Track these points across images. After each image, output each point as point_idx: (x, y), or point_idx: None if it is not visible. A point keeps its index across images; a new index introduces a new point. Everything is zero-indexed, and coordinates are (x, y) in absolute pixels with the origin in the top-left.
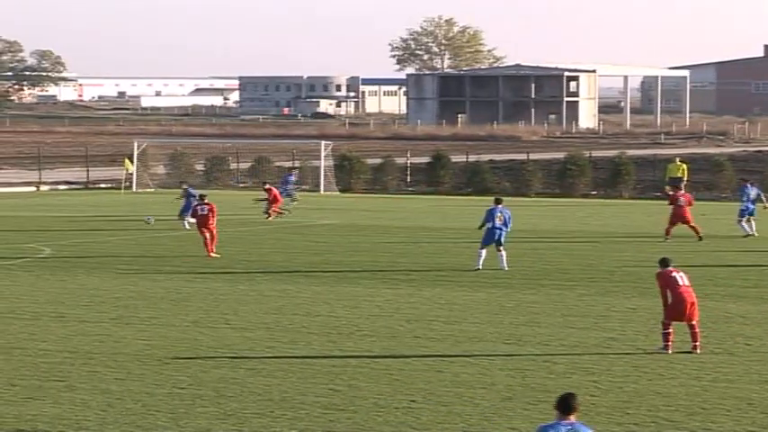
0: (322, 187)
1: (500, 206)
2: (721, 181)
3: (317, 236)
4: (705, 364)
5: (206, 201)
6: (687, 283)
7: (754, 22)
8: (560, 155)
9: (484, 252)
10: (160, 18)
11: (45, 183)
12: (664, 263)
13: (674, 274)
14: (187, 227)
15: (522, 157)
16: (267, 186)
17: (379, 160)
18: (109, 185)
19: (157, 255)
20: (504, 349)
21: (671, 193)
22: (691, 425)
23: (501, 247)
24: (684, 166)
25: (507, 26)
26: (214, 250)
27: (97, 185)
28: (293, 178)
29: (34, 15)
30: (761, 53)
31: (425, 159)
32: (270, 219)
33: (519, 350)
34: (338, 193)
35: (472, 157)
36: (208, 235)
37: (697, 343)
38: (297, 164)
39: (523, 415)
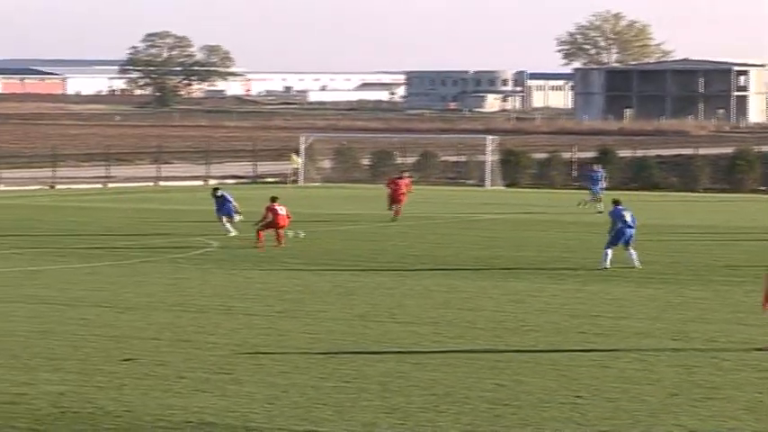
0: (488, 182)
1: (621, 206)
2: None
3: (483, 230)
4: None
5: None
6: None
7: None
8: (729, 150)
9: (610, 252)
10: (327, 13)
11: (213, 177)
12: None
13: None
14: (229, 228)
15: (690, 151)
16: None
17: (544, 155)
18: (276, 179)
19: (324, 249)
20: (670, 345)
21: None
22: None
23: (629, 247)
24: None
25: (676, 20)
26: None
27: (264, 179)
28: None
29: (204, 11)
30: None
31: (592, 154)
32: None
33: (685, 346)
34: (504, 187)
35: (639, 152)
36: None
37: None
38: (464, 158)
39: (690, 412)
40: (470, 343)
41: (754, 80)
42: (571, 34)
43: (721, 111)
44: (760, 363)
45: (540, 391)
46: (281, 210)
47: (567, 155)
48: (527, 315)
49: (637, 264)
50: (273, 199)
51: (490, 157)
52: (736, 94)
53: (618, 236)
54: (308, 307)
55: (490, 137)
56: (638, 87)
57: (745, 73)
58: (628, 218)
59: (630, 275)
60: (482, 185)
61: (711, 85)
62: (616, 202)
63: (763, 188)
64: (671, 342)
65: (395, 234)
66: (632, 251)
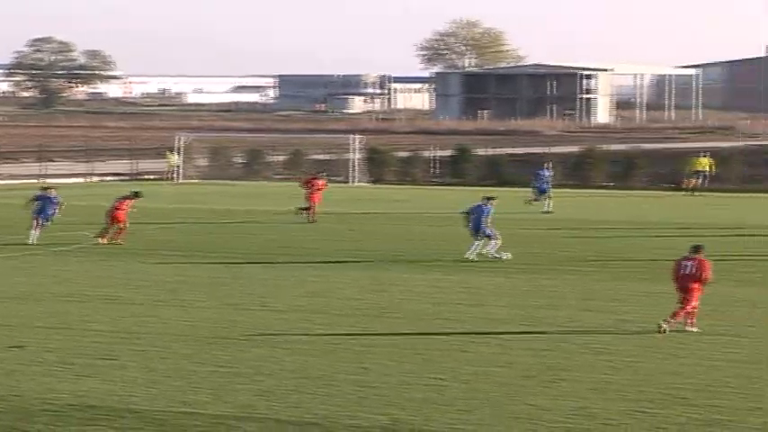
0: (354, 179)
1: (482, 204)
2: (730, 173)
3: (350, 224)
4: (714, 345)
5: None
6: (691, 271)
7: (760, 23)
8: (576, 148)
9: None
10: (201, 19)
11: (94, 174)
12: (695, 249)
13: (683, 262)
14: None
15: (541, 150)
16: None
17: (406, 153)
18: (155, 177)
19: (200, 242)
20: (524, 330)
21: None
22: (699, 402)
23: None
24: (707, 160)
25: (528, 27)
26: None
27: (144, 177)
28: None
29: (86, 18)
30: (766, 53)
31: (450, 153)
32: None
33: (537, 332)
34: (369, 184)
35: (493, 151)
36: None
37: (690, 321)
38: (331, 156)
39: (542, 392)
40: (338, 330)
41: (601, 84)
42: (430, 41)
43: (570, 112)
44: (606, 347)
45: (402, 374)
46: (124, 206)
47: (427, 153)
48: (391, 303)
49: (472, 256)
50: (136, 194)
51: (356, 156)
52: (584, 96)
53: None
54: (186, 296)
55: (356, 136)
56: (494, 90)
57: (591, 77)
58: (481, 212)
59: (488, 266)
60: (348, 182)
61: (561, 87)
62: (490, 199)
63: (609, 184)
64: (524, 327)
65: (267, 228)
66: (478, 243)
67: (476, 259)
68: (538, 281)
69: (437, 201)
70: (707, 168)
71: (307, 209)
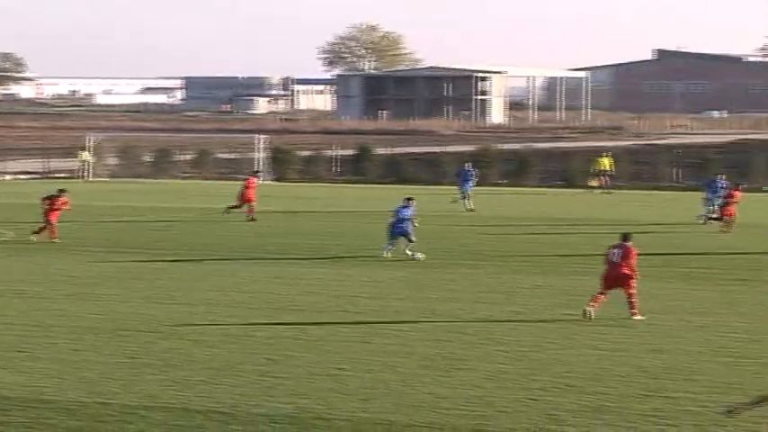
0: (259, 177)
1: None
2: (617, 170)
3: (256, 221)
4: (603, 335)
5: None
6: (618, 260)
7: (646, 27)
8: (472, 147)
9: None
10: (110, 23)
11: (7, 173)
12: (624, 237)
13: (611, 250)
14: None
15: (438, 149)
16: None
17: (309, 152)
18: (66, 175)
19: (111, 238)
20: (422, 322)
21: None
22: (589, 389)
23: (408, 239)
24: (608, 160)
25: (425, 31)
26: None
27: (56, 176)
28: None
29: None
30: (651, 56)
31: (351, 151)
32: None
33: (436, 323)
34: (273, 181)
35: (393, 150)
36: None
37: (633, 311)
38: (236, 155)
39: (440, 381)
40: (244, 321)
41: (495, 86)
42: (332, 44)
43: (465, 113)
44: (502, 337)
45: (306, 365)
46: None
47: (329, 152)
48: (296, 296)
49: (414, 254)
50: (60, 192)
51: (260, 154)
52: (479, 97)
53: (392, 230)
54: (96, 290)
55: (260, 136)
56: (392, 91)
57: (486, 79)
58: (402, 214)
59: (390, 261)
60: None
61: (456, 89)
62: (410, 199)
63: (504, 181)
64: (423, 319)
65: (176, 224)
66: (391, 243)
67: (390, 257)
68: (437, 274)
69: (339, 198)
70: (608, 168)
71: (236, 207)
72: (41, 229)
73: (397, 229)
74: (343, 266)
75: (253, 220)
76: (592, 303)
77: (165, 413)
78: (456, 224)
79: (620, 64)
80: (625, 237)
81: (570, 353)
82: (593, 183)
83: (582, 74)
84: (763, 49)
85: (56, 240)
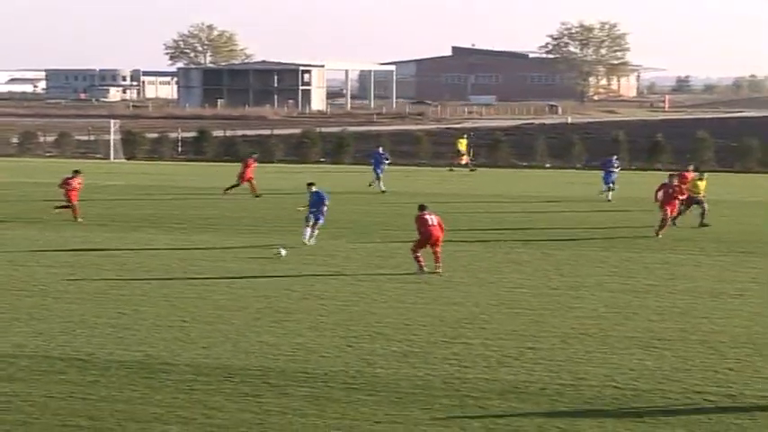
0: (111, 156)
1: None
2: (420, 151)
3: (107, 194)
4: (409, 291)
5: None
6: (435, 223)
7: (445, 26)
8: (297, 130)
9: (308, 230)
10: None
11: None
12: (421, 208)
13: (426, 216)
14: None
15: (268, 132)
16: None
17: (156, 134)
18: None
19: None
20: (255, 280)
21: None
22: (397, 336)
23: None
24: (464, 141)
25: (257, 30)
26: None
27: None
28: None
29: None
30: (449, 52)
31: (193, 134)
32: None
33: (268, 280)
34: (125, 160)
35: (229, 133)
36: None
37: (438, 264)
38: (92, 137)
39: (269, 331)
40: (99, 281)
41: (316, 77)
42: (175, 41)
43: (291, 101)
44: (322, 293)
45: (153, 318)
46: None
47: (173, 134)
48: (144, 259)
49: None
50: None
51: (113, 137)
52: (303, 88)
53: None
54: None
55: (113, 120)
56: (228, 82)
57: (308, 71)
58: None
59: (226, 226)
60: (107, 159)
61: (283, 80)
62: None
63: (323, 160)
64: (256, 277)
65: (39, 195)
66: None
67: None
68: (269, 240)
69: (181, 175)
70: (464, 148)
71: (235, 186)
72: (64, 208)
73: (317, 214)
74: (186, 233)
75: (258, 196)
76: (421, 260)
77: (31, 360)
78: (281, 196)
79: (422, 59)
80: (421, 207)
81: (381, 306)
82: (461, 161)
83: (390, 68)
84: (543, 47)
85: (79, 219)
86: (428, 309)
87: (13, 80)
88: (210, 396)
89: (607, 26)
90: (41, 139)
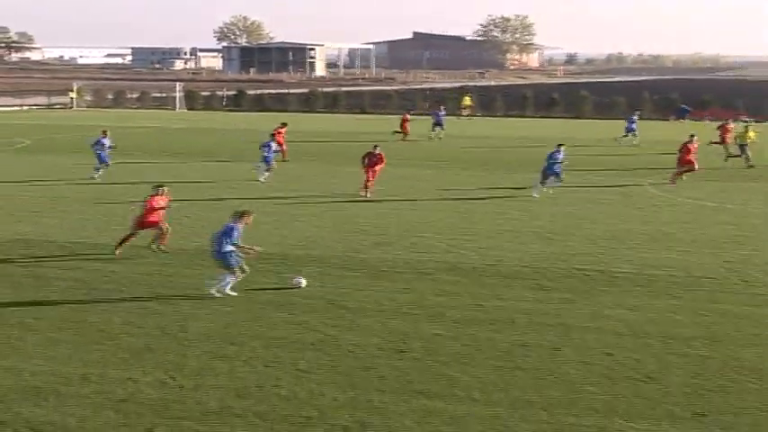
0: (177, 108)
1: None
2: (390, 105)
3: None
4: (383, 205)
5: None
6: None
7: (409, 16)
8: (306, 90)
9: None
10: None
11: (24, 105)
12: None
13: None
14: None
15: (285, 91)
16: None
17: (207, 93)
18: (60, 106)
19: None
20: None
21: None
22: (374, 232)
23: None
24: (469, 98)
25: (278, 19)
26: None
27: (55, 106)
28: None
29: None
30: (410, 36)
31: (233, 92)
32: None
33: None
34: (186, 110)
35: (258, 92)
36: None
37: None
38: (164, 95)
39: (286, 226)
40: None
41: (318, 53)
42: (221, 27)
43: (301, 70)
44: (317, 205)
45: None
46: None
47: (220, 92)
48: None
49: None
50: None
51: (178, 94)
52: (309, 60)
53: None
54: None
55: (178, 83)
56: (258, 56)
57: (313, 49)
58: (554, 158)
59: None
60: (174, 110)
61: (296, 55)
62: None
63: (323, 110)
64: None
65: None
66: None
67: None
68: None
69: (227, 121)
70: (470, 103)
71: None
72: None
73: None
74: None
75: (285, 160)
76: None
77: None
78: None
79: (393, 40)
80: (375, 146)
81: (364, 213)
82: (464, 113)
83: (370, 46)
84: (476, 32)
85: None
86: (397, 216)
87: (108, 55)
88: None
89: (520, 17)
90: (128, 95)
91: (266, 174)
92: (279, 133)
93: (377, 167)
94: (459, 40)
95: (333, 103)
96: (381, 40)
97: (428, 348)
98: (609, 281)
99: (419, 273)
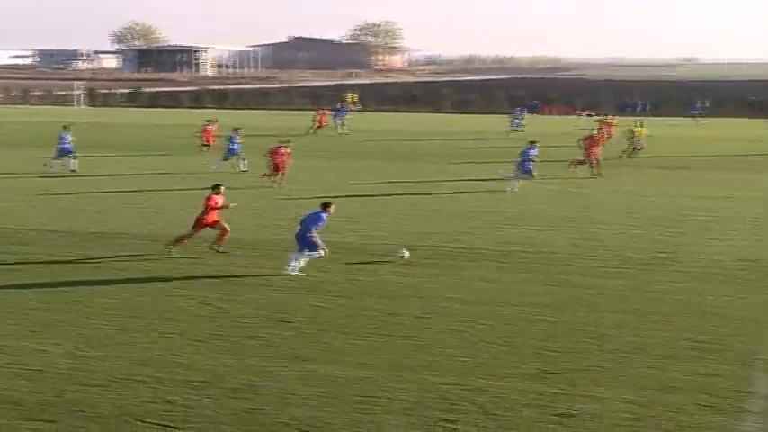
0: (77, 104)
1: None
2: (273, 101)
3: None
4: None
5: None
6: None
7: (281, 17)
8: (196, 88)
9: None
10: None
11: None
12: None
13: (279, 149)
14: None
15: (176, 89)
16: None
17: (106, 90)
18: None
19: None
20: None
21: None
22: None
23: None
24: (354, 95)
25: (172, 21)
26: None
27: None
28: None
29: None
30: (286, 39)
31: (130, 90)
32: None
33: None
34: (86, 107)
35: (154, 90)
36: None
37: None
38: (65, 93)
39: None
40: None
41: (208, 54)
42: (119, 30)
43: (190, 69)
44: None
45: None
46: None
47: (118, 90)
48: None
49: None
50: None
51: (79, 91)
52: (199, 61)
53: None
54: None
55: (77, 82)
56: (153, 57)
57: (205, 51)
58: (528, 155)
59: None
60: (76, 106)
61: (187, 56)
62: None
63: (212, 106)
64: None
65: None
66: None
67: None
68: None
69: (125, 116)
70: (356, 99)
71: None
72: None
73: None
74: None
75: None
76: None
77: None
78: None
79: (274, 43)
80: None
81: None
82: (353, 108)
83: (256, 49)
84: (347, 36)
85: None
86: (295, 200)
87: (15, 56)
88: None
89: (389, 23)
90: (33, 93)
91: (240, 163)
92: (206, 130)
93: (286, 160)
94: (331, 43)
95: (220, 100)
96: (266, 42)
97: (309, 318)
98: (470, 257)
99: None
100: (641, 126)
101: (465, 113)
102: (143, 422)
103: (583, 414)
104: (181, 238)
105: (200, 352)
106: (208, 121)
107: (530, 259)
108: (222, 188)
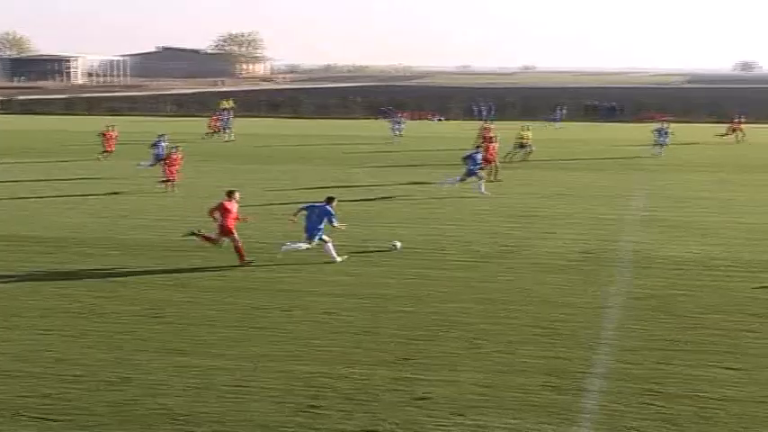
0: None
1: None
2: (139, 107)
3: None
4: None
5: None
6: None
7: (159, 27)
8: (66, 96)
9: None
10: None
11: None
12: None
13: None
14: None
15: (50, 96)
16: None
17: None
18: None
19: None
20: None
21: None
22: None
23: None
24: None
25: (45, 31)
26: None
27: None
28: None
29: None
30: (155, 49)
31: (2, 98)
32: None
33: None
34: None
35: (26, 98)
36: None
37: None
38: None
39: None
40: None
41: (80, 63)
42: None
43: (61, 79)
44: None
45: None
46: None
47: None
48: None
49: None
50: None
51: None
52: (71, 70)
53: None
54: None
55: None
56: (26, 66)
57: (76, 60)
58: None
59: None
60: None
61: (58, 65)
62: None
63: (85, 112)
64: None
65: None
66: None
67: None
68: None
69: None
70: (233, 105)
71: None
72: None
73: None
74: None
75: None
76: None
77: None
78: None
79: (144, 53)
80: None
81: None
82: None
83: (127, 58)
84: (213, 46)
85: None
86: (168, 203)
87: None
88: None
89: (251, 34)
90: None
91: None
92: (107, 135)
93: (177, 167)
94: (199, 53)
95: (92, 106)
96: (135, 52)
97: (180, 313)
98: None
99: (170, 250)
100: (528, 130)
101: (324, 119)
102: (21, 416)
103: (438, 397)
104: (206, 240)
105: (73, 347)
106: (108, 127)
107: (385, 254)
108: (237, 194)
